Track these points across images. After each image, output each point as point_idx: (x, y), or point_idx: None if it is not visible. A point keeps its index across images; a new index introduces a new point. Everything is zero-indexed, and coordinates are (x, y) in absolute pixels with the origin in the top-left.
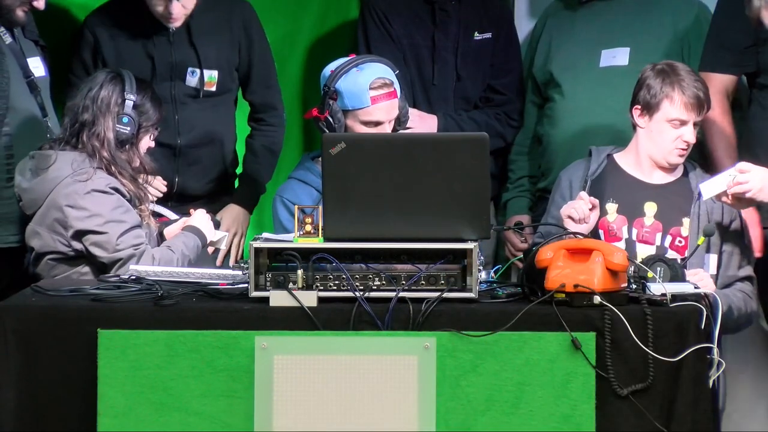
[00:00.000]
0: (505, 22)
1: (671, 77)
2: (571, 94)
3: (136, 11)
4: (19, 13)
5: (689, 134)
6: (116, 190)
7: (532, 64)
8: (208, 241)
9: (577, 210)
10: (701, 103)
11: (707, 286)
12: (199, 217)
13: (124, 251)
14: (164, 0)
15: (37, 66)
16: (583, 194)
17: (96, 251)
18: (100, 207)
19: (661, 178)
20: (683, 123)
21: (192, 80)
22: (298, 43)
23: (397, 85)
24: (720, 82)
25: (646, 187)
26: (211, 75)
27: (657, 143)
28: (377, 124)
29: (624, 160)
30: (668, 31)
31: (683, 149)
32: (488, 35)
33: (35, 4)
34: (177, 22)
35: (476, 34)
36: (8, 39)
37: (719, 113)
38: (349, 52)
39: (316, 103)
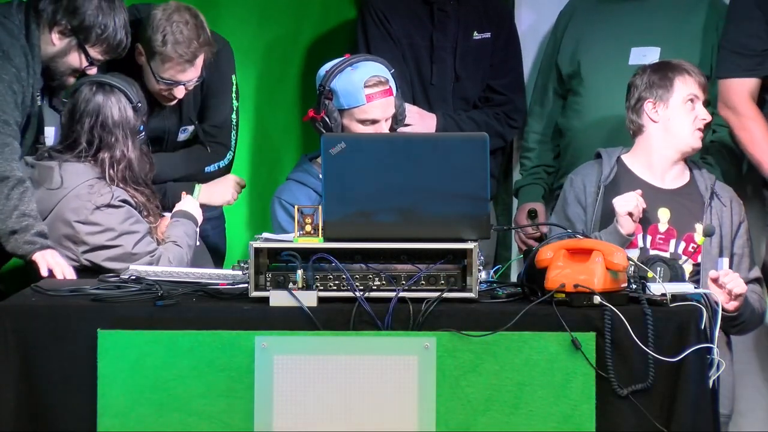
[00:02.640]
0: (505, 21)
1: (672, 65)
2: (599, 90)
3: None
4: (71, 80)
5: (704, 112)
6: (125, 201)
7: (558, 54)
8: (199, 223)
9: (639, 206)
10: (705, 84)
11: (739, 286)
12: (188, 202)
13: (141, 260)
14: (169, 85)
15: (49, 136)
16: (637, 192)
17: (113, 265)
18: (110, 221)
19: (672, 182)
20: (696, 99)
21: (182, 136)
22: (299, 43)
23: (392, 83)
24: (741, 87)
25: (658, 192)
26: (194, 129)
27: (676, 131)
28: (374, 122)
29: (634, 163)
30: (700, 35)
31: (702, 129)
32: (487, 35)
33: (89, 71)
34: (175, 101)
35: (475, 33)
36: (39, 101)
37: (752, 117)
38: (348, 53)
39: (314, 104)
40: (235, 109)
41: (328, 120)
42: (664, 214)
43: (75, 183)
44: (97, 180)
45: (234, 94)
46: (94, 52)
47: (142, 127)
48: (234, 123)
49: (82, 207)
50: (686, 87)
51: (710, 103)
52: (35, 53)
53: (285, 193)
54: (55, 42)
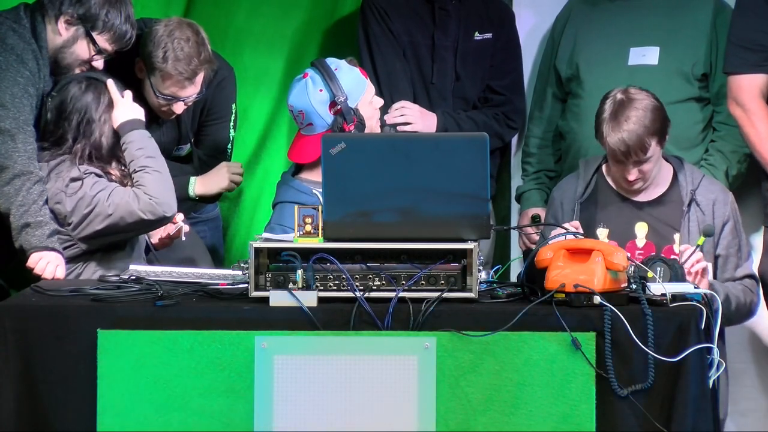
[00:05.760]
0: (507, 22)
1: (614, 117)
2: (598, 91)
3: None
4: (78, 72)
5: (632, 174)
6: (91, 173)
7: (555, 57)
8: (143, 118)
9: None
10: (628, 151)
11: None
12: (120, 106)
13: (120, 207)
14: (169, 101)
15: None
16: (572, 224)
17: (100, 225)
18: (80, 192)
19: (650, 192)
20: (624, 162)
21: (176, 153)
22: (286, 38)
23: None
24: (751, 84)
25: (635, 206)
26: (189, 147)
27: (615, 176)
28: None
29: (612, 174)
30: (699, 33)
31: (634, 183)
32: (489, 36)
33: (94, 64)
34: (174, 116)
35: (477, 34)
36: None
37: (761, 117)
38: (337, 48)
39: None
40: (231, 139)
41: (361, 121)
42: (641, 229)
43: (51, 176)
44: (68, 165)
45: (232, 123)
46: (102, 41)
47: None
48: (229, 154)
49: (57, 191)
50: (611, 152)
51: (711, 101)
52: (44, 55)
53: (285, 219)
54: (62, 32)
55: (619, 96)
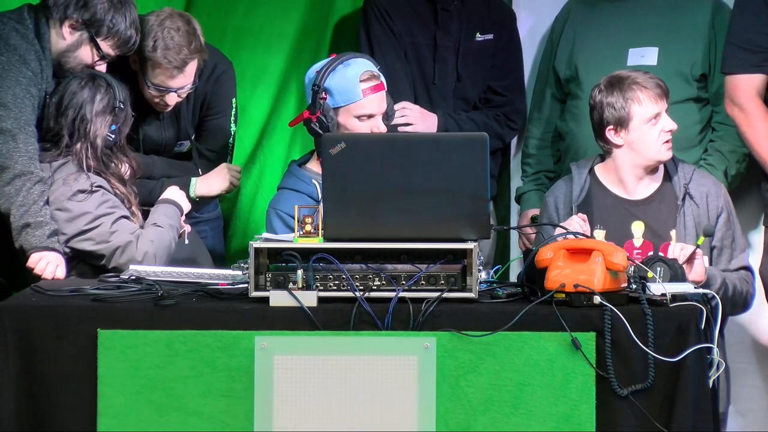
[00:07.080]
0: (508, 23)
1: (624, 83)
2: None
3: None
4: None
5: (668, 122)
6: (101, 187)
7: (554, 58)
8: (185, 211)
9: (583, 230)
10: (664, 90)
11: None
12: (171, 191)
13: (120, 238)
14: (161, 92)
15: None
16: (580, 216)
17: (92, 247)
18: (85, 206)
19: (645, 189)
20: (658, 115)
21: (177, 149)
22: (285, 37)
23: (383, 79)
24: (749, 83)
25: (631, 205)
26: (189, 143)
27: (642, 150)
28: (370, 116)
29: (606, 176)
30: (698, 33)
31: (668, 140)
32: (490, 36)
33: (97, 68)
34: (169, 108)
35: (478, 34)
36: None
37: (759, 116)
38: (333, 49)
39: (295, 103)
40: (233, 133)
41: (324, 119)
42: (638, 228)
43: (56, 177)
44: (75, 170)
45: (233, 118)
46: (106, 46)
47: (114, 126)
48: (230, 148)
49: (60, 196)
50: (643, 110)
51: (710, 101)
52: (47, 56)
53: (281, 203)
54: (66, 36)
55: (604, 82)
